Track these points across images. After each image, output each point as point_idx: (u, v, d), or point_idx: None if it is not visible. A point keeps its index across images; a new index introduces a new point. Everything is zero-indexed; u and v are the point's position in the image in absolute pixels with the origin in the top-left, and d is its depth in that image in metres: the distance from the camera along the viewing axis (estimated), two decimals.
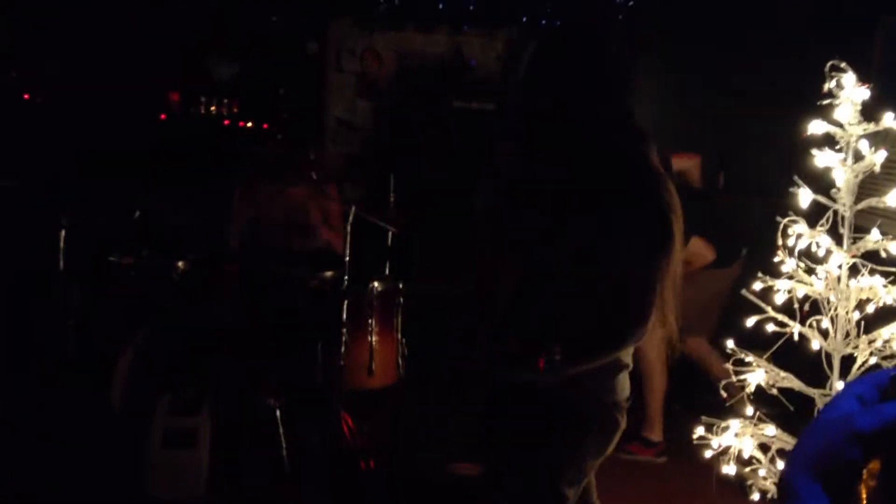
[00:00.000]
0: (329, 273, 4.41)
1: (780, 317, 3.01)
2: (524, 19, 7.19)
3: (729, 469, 2.92)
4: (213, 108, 7.14)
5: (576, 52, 2.36)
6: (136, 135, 6.60)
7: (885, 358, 2.90)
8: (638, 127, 2.36)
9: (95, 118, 6.45)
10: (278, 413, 4.01)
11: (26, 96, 6.37)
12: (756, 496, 2.97)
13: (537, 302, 2.31)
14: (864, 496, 0.99)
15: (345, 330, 4.16)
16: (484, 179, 2.54)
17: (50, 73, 6.66)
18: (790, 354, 3.02)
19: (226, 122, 7.10)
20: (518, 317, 2.33)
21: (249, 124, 7.01)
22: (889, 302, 2.90)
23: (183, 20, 6.96)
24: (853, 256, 2.97)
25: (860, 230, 2.99)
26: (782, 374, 2.99)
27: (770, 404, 3.09)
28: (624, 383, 2.41)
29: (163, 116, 7.00)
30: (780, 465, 2.88)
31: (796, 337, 2.98)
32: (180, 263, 4.51)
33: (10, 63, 6.48)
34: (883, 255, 2.94)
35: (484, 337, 2.41)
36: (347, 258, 4.26)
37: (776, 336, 3.00)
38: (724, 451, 2.93)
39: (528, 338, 2.27)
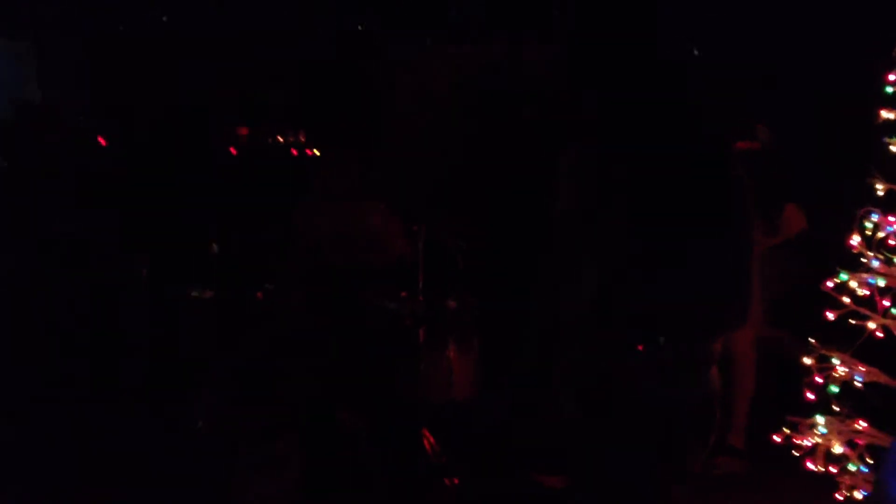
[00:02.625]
0: (404, 293, 4.46)
1: (862, 310, 2.96)
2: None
3: (817, 468, 2.88)
4: (280, 139, 7.27)
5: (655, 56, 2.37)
6: (210, 171, 6.75)
7: None
8: (710, 127, 2.36)
9: (169, 158, 6.61)
10: (362, 433, 4.06)
11: (102, 140, 6.58)
12: (846, 493, 2.91)
13: (625, 295, 2.30)
14: None
15: (423, 348, 4.20)
16: (561, 183, 2.54)
17: (120, 116, 6.86)
18: (873, 349, 2.96)
19: (293, 151, 7.22)
20: (608, 310, 2.33)
21: (316, 152, 7.12)
22: None
23: (239, 47, 7.11)
24: None
25: None
26: (866, 368, 2.93)
27: (855, 401, 3.03)
28: (715, 377, 2.39)
29: (233, 150, 7.15)
30: (870, 461, 2.83)
31: (878, 330, 2.92)
32: (259, 293, 4.61)
33: (81, 110, 6.69)
34: None
35: (568, 332, 2.40)
36: (421, 278, 4.31)
37: (856, 331, 2.94)
38: (812, 450, 2.88)
39: (625, 325, 2.28)
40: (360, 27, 7.36)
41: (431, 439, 4.21)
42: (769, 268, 4.42)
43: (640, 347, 2.21)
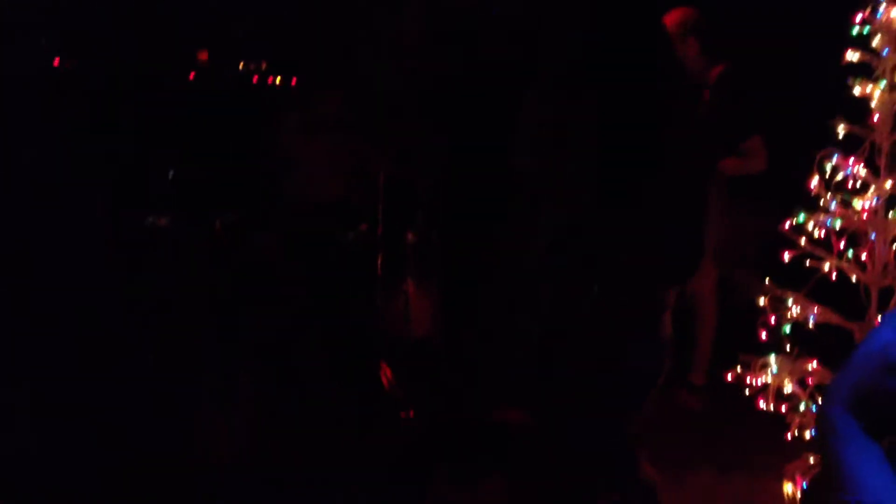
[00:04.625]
0: (363, 225, 4.43)
1: (817, 251, 2.98)
2: None
3: (768, 407, 2.92)
4: (241, 66, 7.11)
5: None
6: (166, 94, 6.61)
7: None
8: (668, 83, 2.35)
9: (125, 80, 6.46)
10: (320, 366, 4.06)
11: (55, 62, 6.39)
12: (796, 432, 2.96)
13: (582, 240, 2.32)
14: None
15: (381, 282, 4.19)
16: (519, 134, 2.55)
17: (78, 35, 6.67)
18: (827, 289, 2.99)
19: (254, 78, 7.08)
20: (560, 255, 2.35)
21: (278, 81, 6.98)
22: None
23: None
24: (891, 187, 2.91)
25: None
26: (818, 308, 2.96)
27: (808, 341, 3.06)
28: (666, 322, 2.43)
29: (191, 75, 6.99)
30: (820, 400, 2.87)
31: (833, 272, 2.94)
32: (217, 222, 4.55)
33: (35, 30, 6.49)
34: None
35: (528, 273, 2.44)
36: (382, 211, 4.28)
37: (811, 271, 2.96)
38: (763, 389, 2.91)
39: (570, 274, 2.31)
40: None
41: (389, 373, 4.22)
42: (732, 209, 4.45)
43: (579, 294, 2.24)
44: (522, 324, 2.60)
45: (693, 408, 4.52)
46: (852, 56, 3.01)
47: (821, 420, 1.12)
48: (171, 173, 4.80)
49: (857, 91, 3.02)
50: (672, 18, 4.27)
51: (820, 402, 1.19)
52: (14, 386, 4.13)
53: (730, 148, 4.31)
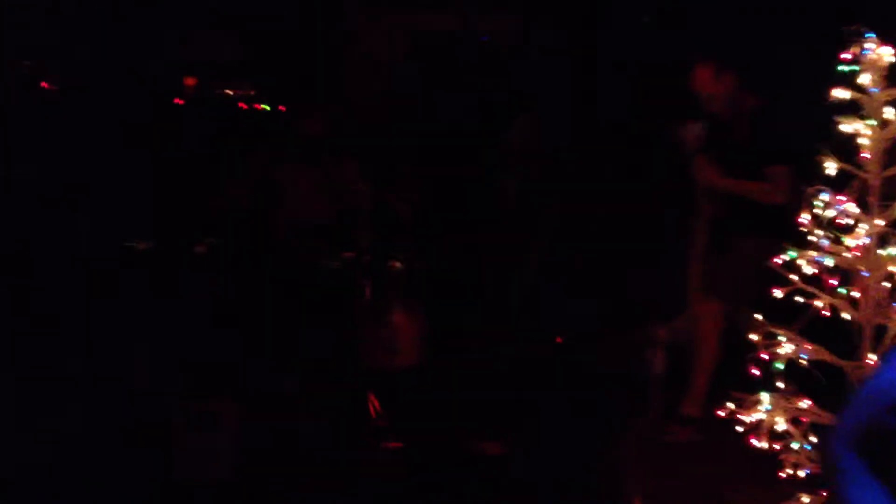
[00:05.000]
0: (350, 254, 4.40)
1: (809, 288, 2.97)
2: None
3: (761, 444, 2.89)
4: (228, 91, 7.12)
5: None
6: (153, 120, 6.59)
7: None
8: (660, 105, 2.37)
9: (112, 105, 6.44)
10: (304, 397, 4.01)
11: (44, 84, 6.36)
12: (789, 471, 2.93)
13: (563, 279, 2.32)
14: None
15: (366, 310, 4.15)
16: (507, 158, 2.55)
17: (65, 61, 6.65)
18: (820, 327, 2.98)
19: (241, 105, 7.08)
20: (537, 298, 2.35)
21: (266, 107, 6.99)
22: None
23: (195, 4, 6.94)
24: (882, 225, 2.91)
25: (888, 198, 2.93)
26: (811, 346, 2.94)
27: (801, 378, 3.04)
28: (655, 359, 2.41)
29: (178, 101, 6.98)
30: (814, 439, 2.85)
31: (821, 309, 2.93)
32: (200, 247, 4.51)
33: (25, 53, 6.47)
34: None
35: (509, 313, 2.43)
36: (367, 239, 4.25)
37: (804, 308, 2.95)
38: (756, 426, 2.89)
39: (544, 318, 2.30)
40: None
41: (376, 403, 4.18)
42: (737, 246, 4.44)
43: (558, 340, 2.24)
44: (505, 354, 2.59)
45: (682, 440, 4.47)
46: (840, 94, 3.02)
47: (825, 458, 1.10)
48: (154, 198, 4.74)
49: (845, 129, 3.02)
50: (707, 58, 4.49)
51: (825, 441, 1.18)
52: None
53: (755, 173, 4.35)
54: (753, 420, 2.88)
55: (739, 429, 2.92)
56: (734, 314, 4.70)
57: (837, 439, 1.22)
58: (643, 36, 6.33)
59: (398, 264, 4.41)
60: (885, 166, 2.96)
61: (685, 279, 4.17)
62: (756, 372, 2.96)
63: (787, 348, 2.93)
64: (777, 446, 2.90)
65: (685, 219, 4.30)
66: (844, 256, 2.94)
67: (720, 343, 4.49)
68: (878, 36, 2.96)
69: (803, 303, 2.96)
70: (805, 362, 2.91)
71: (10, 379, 4.44)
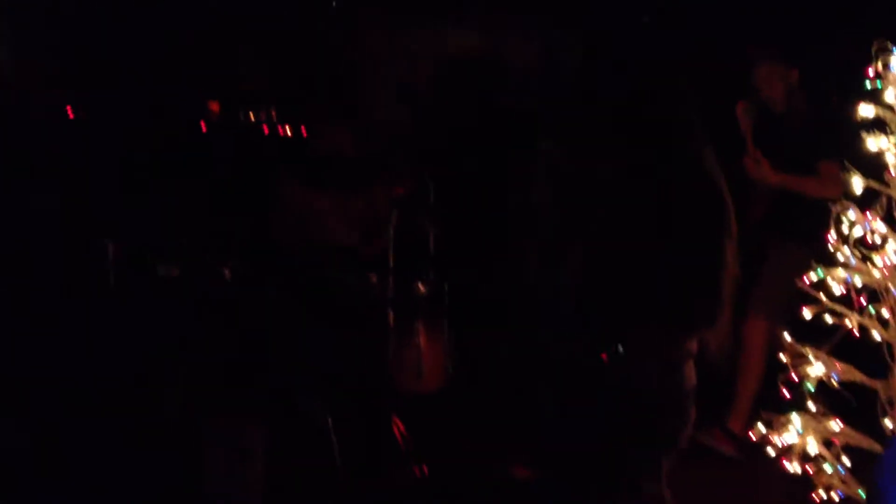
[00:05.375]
0: (374, 277, 4.41)
1: (838, 308, 2.95)
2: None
3: (793, 467, 2.86)
4: (252, 116, 7.15)
5: (631, 58, 2.43)
6: (178, 145, 6.64)
7: None
8: (693, 126, 2.38)
9: (136, 130, 6.50)
10: (330, 420, 4.00)
11: (70, 112, 6.43)
12: (822, 494, 2.90)
13: (602, 294, 2.31)
14: None
15: (392, 334, 4.15)
16: (539, 175, 2.57)
17: (88, 89, 6.71)
18: (850, 346, 2.95)
19: (265, 128, 7.11)
20: (582, 311, 2.33)
21: (290, 131, 7.01)
22: None
23: (219, 27, 6.99)
24: None
25: None
26: (842, 366, 2.92)
27: (832, 398, 3.02)
28: (689, 372, 2.39)
29: (203, 126, 7.03)
30: (846, 461, 2.82)
31: (855, 328, 2.91)
32: (227, 271, 4.53)
33: (49, 81, 6.54)
34: None
35: (548, 331, 2.41)
36: (392, 261, 4.25)
37: (834, 328, 2.93)
38: (788, 449, 2.87)
39: (593, 330, 2.29)
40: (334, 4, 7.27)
41: (402, 427, 4.17)
42: (785, 259, 4.37)
43: (603, 356, 2.23)
44: (534, 380, 2.57)
45: (726, 453, 4.40)
46: (866, 111, 3.01)
47: (873, 492, 1.09)
48: (182, 223, 4.78)
49: (871, 146, 3.01)
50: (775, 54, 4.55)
51: (870, 471, 1.17)
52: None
53: (808, 168, 4.32)
54: (785, 443, 2.86)
55: (772, 452, 2.90)
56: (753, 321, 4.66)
57: (884, 471, 1.21)
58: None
59: (423, 286, 4.40)
60: None
61: (718, 289, 4.14)
62: (787, 393, 2.94)
63: (817, 369, 2.91)
64: (810, 469, 2.88)
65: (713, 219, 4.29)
66: (873, 275, 2.92)
67: (765, 360, 4.43)
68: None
69: (833, 322, 2.95)
70: (836, 383, 2.89)
71: (37, 406, 4.48)
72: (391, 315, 4.27)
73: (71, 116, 6.40)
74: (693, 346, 2.42)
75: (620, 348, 2.21)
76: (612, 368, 2.28)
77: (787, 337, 3.06)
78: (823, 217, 3.90)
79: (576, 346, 2.34)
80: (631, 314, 2.28)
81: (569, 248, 2.41)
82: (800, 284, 3.43)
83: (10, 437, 4.26)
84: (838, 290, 2.95)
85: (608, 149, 2.40)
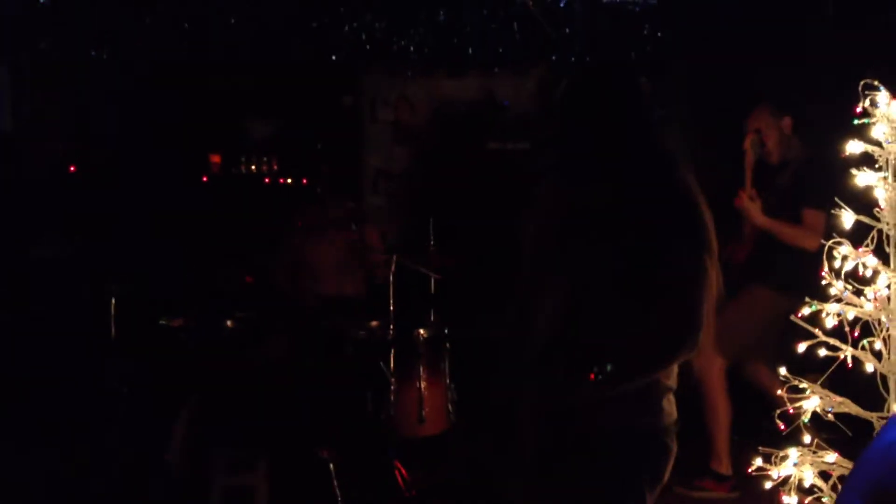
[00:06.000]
0: (375, 322, 4.44)
1: (832, 340, 2.97)
2: (554, 57, 7.23)
3: (791, 500, 2.87)
4: (252, 167, 7.25)
5: (608, 90, 2.45)
6: (180, 198, 6.72)
7: None
8: (671, 154, 2.42)
9: (139, 184, 6.58)
10: (332, 466, 4.02)
11: (72, 168, 6.53)
12: None
13: (584, 323, 2.33)
14: None
15: (393, 379, 4.17)
16: (528, 210, 2.59)
17: (93, 143, 6.81)
18: (845, 378, 2.97)
19: (266, 179, 7.20)
20: (564, 339, 2.35)
21: (289, 181, 7.11)
22: None
23: (219, 81, 7.10)
24: None
25: None
26: (838, 399, 2.94)
27: (828, 430, 3.03)
28: (670, 407, 2.40)
29: (204, 178, 7.12)
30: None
31: (849, 360, 2.93)
32: (229, 322, 4.56)
33: (55, 135, 6.65)
34: None
35: (530, 361, 2.42)
36: (392, 307, 4.29)
37: (829, 361, 2.95)
38: (785, 481, 2.87)
39: (576, 355, 2.29)
40: (334, 59, 7.39)
41: (404, 472, 4.18)
42: (778, 307, 4.42)
43: (591, 377, 2.24)
44: (523, 419, 2.56)
45: (719, 497, 4.45)
46: (854, 147, 3.05)
47: None
48: (183, 275, 4.83)
49: (859, 181, 3.05)
50: (768, 103, 4.64)
51: (839, 493, 1.19)
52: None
53: (791, 215, 4.38)
54: (782, 475, 2.87)
55: (768, 485, 2.91)
56: (752, 367, 4.70)
57: (847, 494, 1.24)
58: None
59: (424, 332, 4.44)
60: None
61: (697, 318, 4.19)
62: (782, 426, 2.96)
63: (812, 401, 2.93)
64: (807, 501, 2.88)
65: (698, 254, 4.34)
66: (865, 308, 2.95)
67: (727, 395, 4.48)
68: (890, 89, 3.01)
69: (826, 355, 2.97)
70: (831, 416, 2.91)
71: (47, 451, 4.50)
72: (392, 359, 4.30)
73: (72, 170, 6.49)
74: (672, 379, 2.43)
75: (609, 367, 2.22)
76: (597, 393, 2.28)
77: (783, 371, 3.07)
78: (799, 268, 3.96)
79: (558, 372, 2.34)
80: (612, 342, 2.29)
81: (551, 279, 2.43)
82: (778, 322, 3.47)
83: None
84: (831, 322, 2.97)
85: (591, 187, 2.43)
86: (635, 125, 2.42)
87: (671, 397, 2.40)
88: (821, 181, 4.20)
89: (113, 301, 4.57)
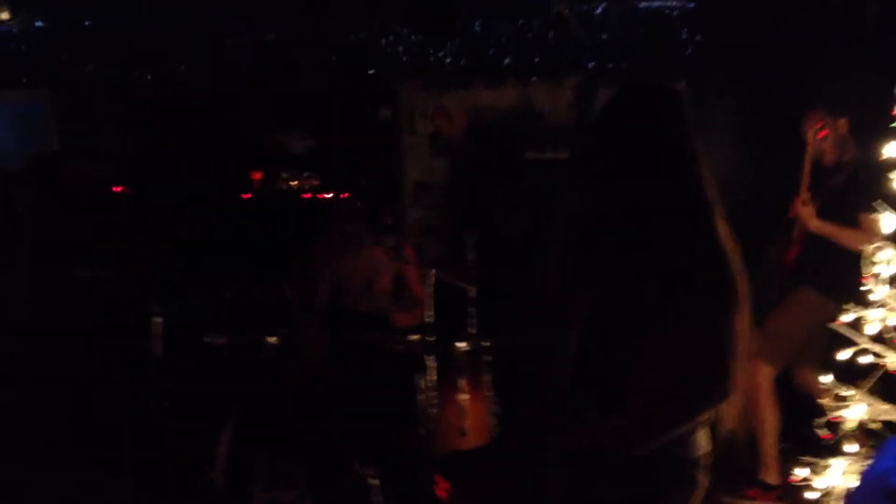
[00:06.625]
0: (415, 337, 4.44)
1: (876, 347, 2.92)
2: (590, 65, 7.21)
3: None
4: (293, 183, 7.31)
5: (645, 115, 2.36)
6: (223, 216, 6.80)
7: None
8: (706, 193, 2.32)
9: (182, 202, 6.66)
10: (372, 481, 4.02)
11: (116, 189, 6.63)
12: None
13: (606, 359, 2.27)
14: None
15: (433, 392, 4.17)
16: (555, 231, 2.53)
17: (136, 164, 6.92)
18: (890, 385, 2.92)
19: (306, 195, 7.26)
20: (587, 376, 2.30)
21: (330, 195, 7.15)
22: None
23: (257, 97, 7.18)
24: None
25: None
26: (884, 406, 2.88)
27: (874, 438, 2.98)
28: (701, 440, 2.34)
29: (246, 196, 7.19)
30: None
31: (893, 367, 2.88)
32: (272, 339, 4.59)
33: (99, 155, 6.76)
34: None
35: (554, 396, 2.38)
36: (431, 321, 4.29)
37: (873, 368, 2.90)
38: (830, 493, 2.83)
39: (595, 403, 2.24)
40: (372, 72, 7.44)
41: (446, 486, 4.17)
42: (823, 313, 4.34)
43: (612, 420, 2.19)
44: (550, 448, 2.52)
45: None
46: (893, 151, 3.01)
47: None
48: (226, 292, 4.87)
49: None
50: (825, 101, 4.55)
51: None
52: None
53: (845, 218, 4.31)
54: (826, 486, 2.82)
55: (812, 496, 2.87)
56: (801, 373, 4.62)
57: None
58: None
59: (463, 344, 4.43)
60: None
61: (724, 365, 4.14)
62: (826, 436, 2.91)
63: (857, 410, 2.88)
64: None
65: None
66: None
67: (776, 403, 4.40)
68: None
69: (871, 363, 2.92)
70: (877, 424, 2.85)
71: (90, 470, 4.56)
72: (433, 374, 4.29)
73: (116, 190, 6.59)
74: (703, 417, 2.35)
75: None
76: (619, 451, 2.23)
77: (827, 378, 3.02)
78: (848, 272, 3.86)
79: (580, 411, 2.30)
80: (635, 395, 2.23)
81: (575, 309, 2.37)
82: (810, 331, 3.36)
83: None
84: (874, 329, 2.92)
85: (620, 218, 2.35)
86: (670, 155, 2.31)
87: (707, 430, 2.33)
88: (877, 184, 4.12)
89: (157, 320, 4.62)
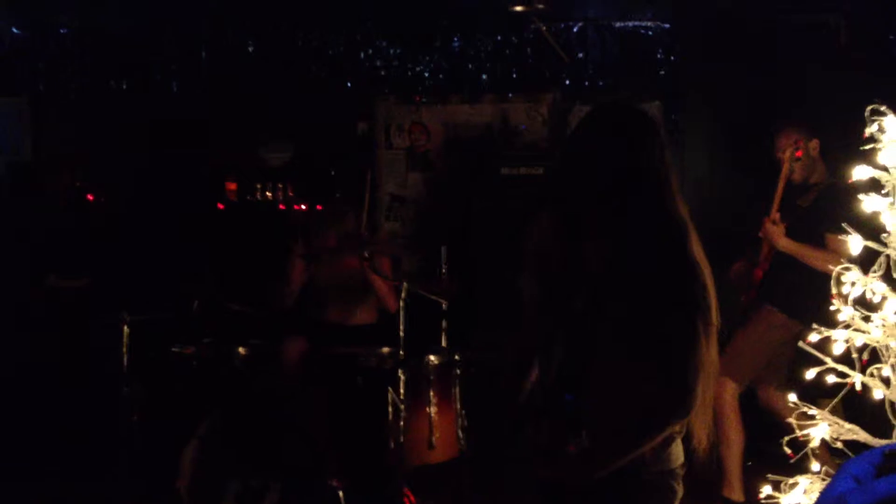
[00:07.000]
0: (386, 349, 4.44)
1: (841, 367, 2.95)
2: (567, 82, 7.26)
3: None
4: (268, 193, 7.29)
5: (615, 142, 2.36)
6: (195, 226, 6.77)
7: None
8: (679, 213, 2.33)
9: (156, 212, 6.63)
10: (341, 494, 4.01)
11: (90, 197, 6.58)
12: None
13: (577, 383, 2.29)
14: None
15: (403, 405, 4.16)
16: (525, 258, 2.54)
17: (111, 173, 6.88)
18: (854, 405, 2.95)
19: (281, 206, 7.24)
20: (555, 403, 2.32)
21: (304, 207, 7.14)
22: None
23: (235, 107, 7.16)
24: None
25: None
26: (847, 426, 2.91)
27: (841, 456, 3.01)
28: (677, 450, 2.36)
29: (220, 206, 7.17)
30: None
31: (858, 387, 2.91)
32: (241, 349, 4.58)
33: (72, 166, 6.71)
34: None
35: (522, 420, 2.39)
36: (402, 333, 4.29)
37: (837, 387, 2.93)
38: None
39: (562, 425, 2.25)
40: (349, 85, 7.44)
41: (413, 499, 4.17)
42: (786, 332, 4.39)
43: (571, 448, 2.21)
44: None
45: None
46: (862, 173, 3.04)
47: None
48: (196, 303, 4.84)
49: (866, 207, 3.04)
50: (797, 123, 4.62)
51: None
52: None
53: (810, 237, 4.36)
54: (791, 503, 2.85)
55: None
56: (765, 392, 4.66)
57: None
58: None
59: (435, 359, 4.43)
60: None
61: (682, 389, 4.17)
62: (790, 453, 2.94)
63: (822, 429, 2.90)
64: None
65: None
66: (873, 334, 2.93)
67: (740, 421, 4.45)
68: None
69: (836, 382, 2.95)
70: (840, 444, 2.88)
71: (57, 479, 4.52)
72: (402, 386, 4.29)
73: (89, 199, 6.55)
74: (681, 425, 2.38)
75: (584, 439, 2.19)
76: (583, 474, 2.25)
77: (792, 397, 3.05)
78: (814, 293, 3.89)
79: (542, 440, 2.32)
80: (604, 413, 2.24)
81: (546, 333, 2.38)
82: (775, 349, 3.36)
83: None
84: (839, 349, 2.95)
85: (591, 244, 2.35)
86: (640, 182, 2.31)
87: (677, 443, 2.35)
88: (844, 205, 4.17)
89: (125, 329, 4.59)
